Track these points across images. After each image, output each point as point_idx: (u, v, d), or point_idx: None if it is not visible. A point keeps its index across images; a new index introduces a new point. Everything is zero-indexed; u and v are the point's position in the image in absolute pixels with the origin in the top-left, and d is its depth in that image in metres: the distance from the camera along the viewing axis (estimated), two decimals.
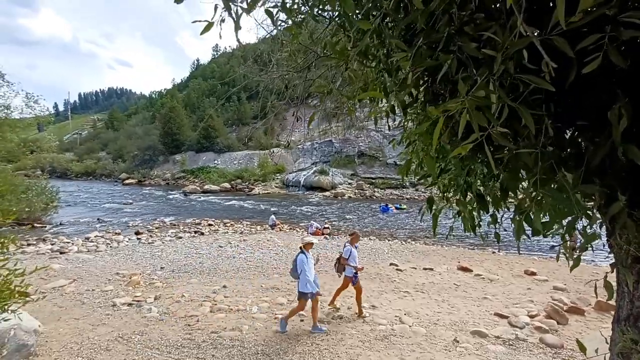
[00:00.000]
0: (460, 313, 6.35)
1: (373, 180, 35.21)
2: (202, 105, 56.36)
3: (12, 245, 3.23)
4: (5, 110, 13.23)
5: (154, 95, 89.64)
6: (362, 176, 36.14)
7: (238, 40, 1.31)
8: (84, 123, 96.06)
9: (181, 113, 51.45)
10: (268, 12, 1.32)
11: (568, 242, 1.63)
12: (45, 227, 16.34)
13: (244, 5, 1.27)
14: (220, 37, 1.41)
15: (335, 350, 4.82)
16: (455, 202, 1.74)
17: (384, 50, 1.26)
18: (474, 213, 1.90)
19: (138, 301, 6.67)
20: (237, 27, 1.24)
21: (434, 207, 1.81)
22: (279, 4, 1.35)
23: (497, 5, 0.98)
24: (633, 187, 1.30)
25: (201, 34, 1.31)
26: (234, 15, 1.22)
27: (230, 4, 1.21)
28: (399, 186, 33.37)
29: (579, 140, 1.37)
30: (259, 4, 1.63)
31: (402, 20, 1.09)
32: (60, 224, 17.31)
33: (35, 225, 16.05)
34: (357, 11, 1.49)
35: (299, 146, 41.02)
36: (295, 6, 1.37)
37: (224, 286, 7.69)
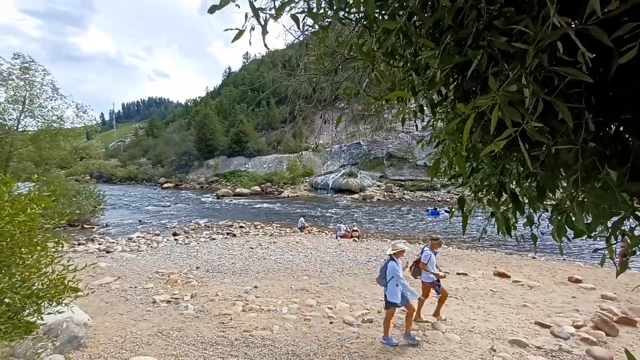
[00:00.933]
0: (498, 321, 6.04)
1: (402, 182, 34.51)
2: (234, 111, 58.36)
3: (65, 244, 3.53)
4: (60, 121, 14.52)
5: (189, 104, 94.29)
6: (391, 178, 35.55)
7: (265, 45, 1.36)
8: (127, 131, 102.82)
9: (214, 119, 53.59)
10: (294, 18, 1.37)
11: (615, 246, 1.52)
12: (94, 228, 17.66)
13: (272, 12, 1.33)
14: (250, 43, 1.47)
15: (365, 353, 4.77)
16: (488, 203, 1.68)
17: (411, 49, 1.25)
18: (508, 214, 1.83)
19: (176, 299, 7.00)
20: (265, 32, 1.30)
21: (465, 207, 1.76)
22: (305, 10, 1.39)
23: None
24: None
25: (232, 41, 1.39)
26: (262, 21, 1.28)
27: (259, 12, 1.26)
28: (430, 188, 32.44)
29: (624, 135, 1.28)
30: (286, 10, 1.69)
31: (429, 19, 1.08)
32: (107, 225, 18.62)
33: (85, 226, 17.40)
34: (383, 12, 1.50)
35: (327, 149, 41.14)
36: (322, 10, 1.40)
37: (255, 286, 7.88)
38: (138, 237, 15.24)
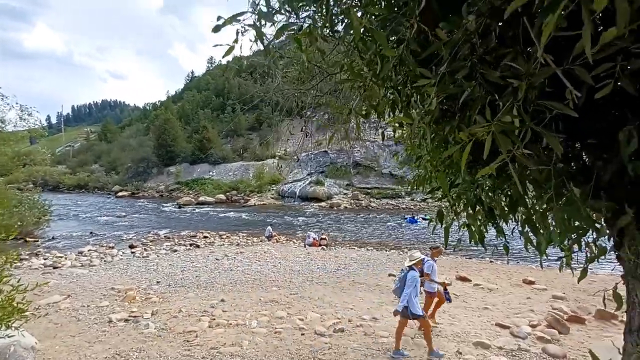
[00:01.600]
0: (462, 324, 6.33)
1: (369, 190, 35.34)
2: (197, 117, 56.43)
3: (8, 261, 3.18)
4: (0, 124, 13.15)
5: (147, 107, 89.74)
6: (357, 186, 36.27)
7: (267, 55, 1.35)
8: (76, 135, 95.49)
9: (176, 124, 51.43)
10: (297, 40, 1.37)
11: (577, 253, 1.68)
12: (38, 241, 16.03)
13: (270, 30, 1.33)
14: (241, 51, 1.46)
15: None
16: (466, 216, 1.78)
17: (402, 78, 1.31)
18: (482, 227, 1.94)
19: (135, 317, 6.53)
20: (268, 52, 1.30)
21: (444, 221, 1.84)
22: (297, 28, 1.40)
23: (515, 34, 1.03)
24: None
25: (223, 57, 1.37)
26: (263, 41, 1.27)
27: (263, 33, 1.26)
28: (395, 196, 33.54)
29: (586, 156, 1.42)
30: (269, 25, 1.69)
31: (426, 50, 1.15)
32: (53, 238, 17.00)
33: (27, 239, 15.74)
34: (369, 36, 1.54)
35: (295, 157, 41.13)
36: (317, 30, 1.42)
37: (222, 300, 7.58)
38: (90, 250, 14.07)
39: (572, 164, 1.56)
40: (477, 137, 1.00)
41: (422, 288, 5.74)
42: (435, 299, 6.18)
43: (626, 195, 1.40)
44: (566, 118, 1.33)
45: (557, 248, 1.77)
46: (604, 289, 1.58)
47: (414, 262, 5.02)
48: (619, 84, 0.94)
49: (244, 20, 1.36)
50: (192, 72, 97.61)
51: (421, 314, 4.92)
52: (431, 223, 2.18)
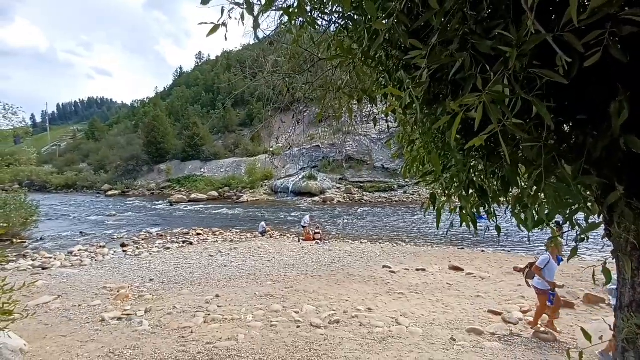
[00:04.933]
0: (455, 312, 6.42)
1: (362, 184, 35.42)
2: (187, 113, 55.66)
3: None
4: None
5: (136, 104, 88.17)
6: (350, 180, 36.32)
7: (257, 37, 1.32)
8: (63, 134, 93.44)
9: (165, 122, 50.66)
10: (287, 12, 1.33)
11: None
12: (25, 242, 15.68)
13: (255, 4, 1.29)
14: (226, 38, 1.41)
15: (334, 354, 4.78)
16: (458, 198, 1.78)
17: (392, 51, 1.28)
18: (474, 210, 1.95)
19: (128, 315, 6.45)
20: (257, 25, 1.26)
21: (437, 203, 1.84)
22: (284, 6, 1.37)
23: (507, 4, 1.02)
24: (629, 177, 1.36)
25: (208, 35, 1.31)
26: (252, 13, 1.23)
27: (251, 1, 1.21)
28: (388, 189, 33.70)
29: (577, 133, 1.42)
30: (257, 8, 1.64)
31: (418, 20, 1.12)
32: (41, 238, 16.65)
33: (14, 241, 15.39)
34: (358, 13, 1.51)
35: (287, 152, 40.97)
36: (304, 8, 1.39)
37: (217, 295, 7.54)
38: (80, 250, 13.83)
39: (564, 142, 1.57)
40: (468, 106, 0.99)
41: (530, 282, 5.52)
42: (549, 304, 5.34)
43: (616, 172, 1.41)
44: (557, 93, 1.33)
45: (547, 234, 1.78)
46: (593, 266, 1.60)
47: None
48: (611, 52, 0.93)
49: None
50: (181, 68, 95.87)
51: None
52: (427, 209, 2.17)
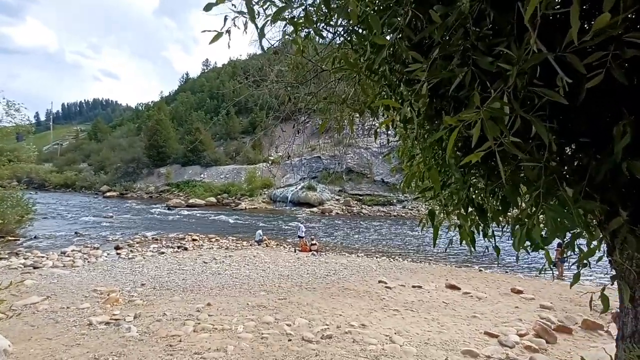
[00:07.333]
0: (451, 332, 6.28)
1: (361, 197, 35.36)
2: (190, 119, 56.03)
3: None
4: None
5: (140, 107, 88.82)
6: (349, 193, 36.27)
7: (262, 47, 1.32)
8: (65, 133, 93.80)
9: (168, 125, 50.95)
10: (293, 23, 1.33)
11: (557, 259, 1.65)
12: (19, 240, 15.55)
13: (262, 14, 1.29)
14: (229, 47, 1.41)
15: None
16: (457, 216, 1.74)
17: (395, 65, 1.27)
18: (473, 228, 1.91)
19: (116, 320, 6.31)
20: (262, 35, 1.25)
21: (435, 220, 1.80)
22: (290, 17, 1.37)
23: (511, 22, 1.01)
24: (634, 203, 1.33)
25: (210, 43, 1.31)
26: (255, 21, 1.23)
27: (254, 7, 1.21)
28: (387, 203, 33.62)
29: (580, 156, 1.40)
30: (262, 18, 1.65)
31: (419, 34, 1.12)
32: (35, 237, 16.51)
33: (9, 238, 15.24)
34: (363, 27, 1.51)
35: (287, 161, 41.07)
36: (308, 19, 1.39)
37: (208, 304, 7.40)
38: (73, 251, 13.69)
39: (566, 164, 1.55)
40: (465, 121, 0.97)
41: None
42: None
43: (620, 197, 1.38)
44: (561, 114, 1.31)
45: (543, 259, 1.74)
46: (592, 292, 1.55)
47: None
48: (614, 75, 0.91)
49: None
50: (187, 74, 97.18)
51: None
52: (424, 226, 2.13)
